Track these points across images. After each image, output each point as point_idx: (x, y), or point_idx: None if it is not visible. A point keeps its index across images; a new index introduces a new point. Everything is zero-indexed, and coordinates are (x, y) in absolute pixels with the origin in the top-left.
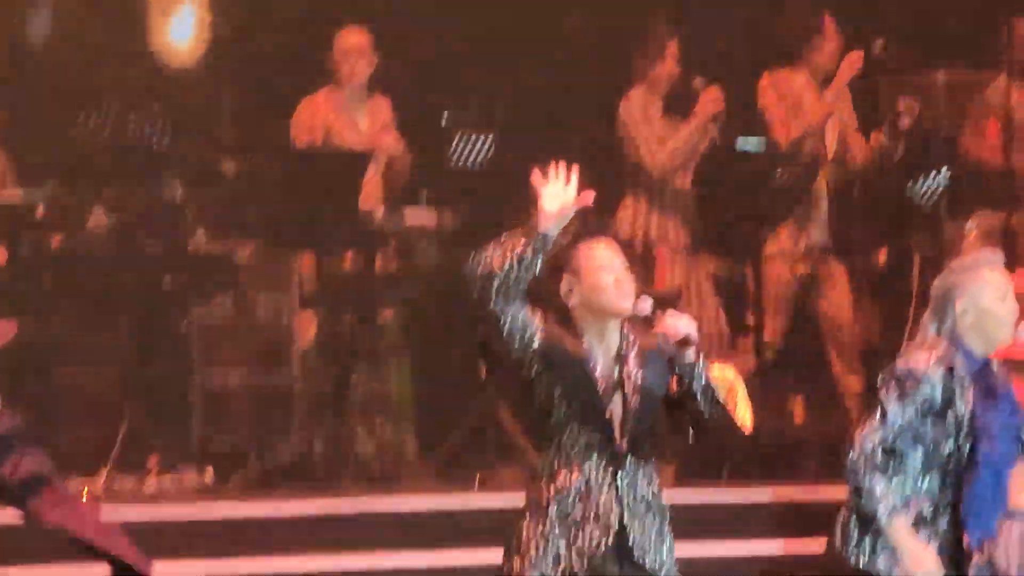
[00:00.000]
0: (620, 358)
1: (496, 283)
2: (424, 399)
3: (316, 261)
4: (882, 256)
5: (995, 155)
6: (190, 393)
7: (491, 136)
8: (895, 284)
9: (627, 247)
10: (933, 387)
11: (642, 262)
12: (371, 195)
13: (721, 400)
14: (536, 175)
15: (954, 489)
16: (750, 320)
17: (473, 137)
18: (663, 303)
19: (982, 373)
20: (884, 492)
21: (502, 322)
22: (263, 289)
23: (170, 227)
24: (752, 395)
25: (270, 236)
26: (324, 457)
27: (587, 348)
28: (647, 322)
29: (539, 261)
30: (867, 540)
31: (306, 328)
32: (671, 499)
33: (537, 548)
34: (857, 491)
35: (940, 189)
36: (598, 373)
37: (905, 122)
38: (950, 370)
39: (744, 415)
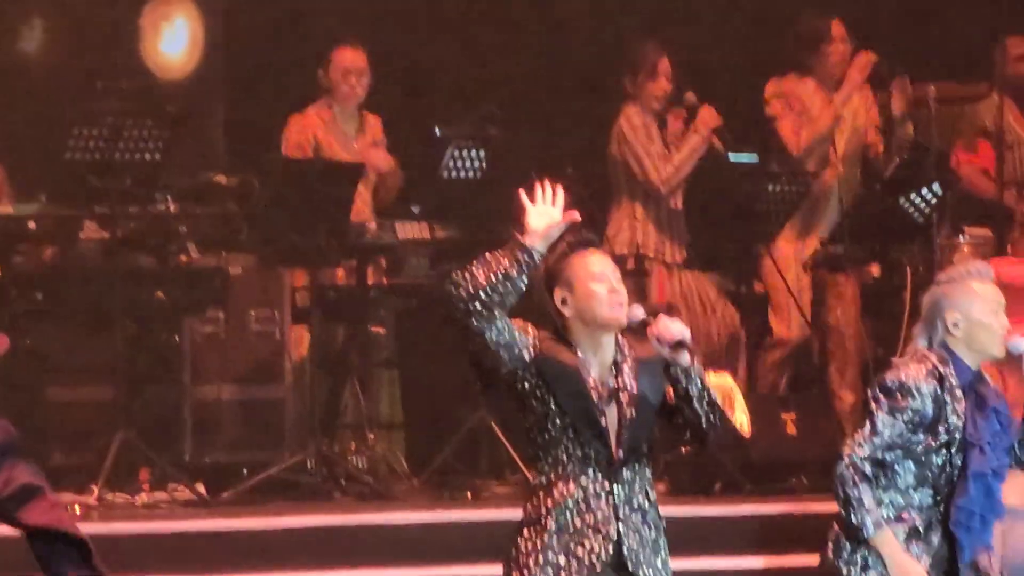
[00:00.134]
0: (615, 368)
1: (480, 300)
2: (416, 413)
3: (308, 275)
4: (874, 269)
5: (985, 176)
6: (182, 407)
7: (483, 150)
8: (887, 297)
9: (621, 261)
10: (924, 400)
11: (636, 276)
12: (362, 209)
13: (719, 404)
14: (524, 192)
15: (946, 502)
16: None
17: (465, 151)
18: (656, 312)
19: (973, 385)
20: (871, 504)
21: (487, 338)
22: (255, 303)
23: (162, 242)
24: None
25: (262, 250)
26: (316, 471)
27: (581, 359)
28: (641, 327)
29: (525, 278)
30: (859, 554)
31: (298, 342)
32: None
33: (536, 562)
34: (845, 502)
35: (933, 203)
36: (593, 384)
37: (899, 104)
38: (941, 382)
39: (742, 420)
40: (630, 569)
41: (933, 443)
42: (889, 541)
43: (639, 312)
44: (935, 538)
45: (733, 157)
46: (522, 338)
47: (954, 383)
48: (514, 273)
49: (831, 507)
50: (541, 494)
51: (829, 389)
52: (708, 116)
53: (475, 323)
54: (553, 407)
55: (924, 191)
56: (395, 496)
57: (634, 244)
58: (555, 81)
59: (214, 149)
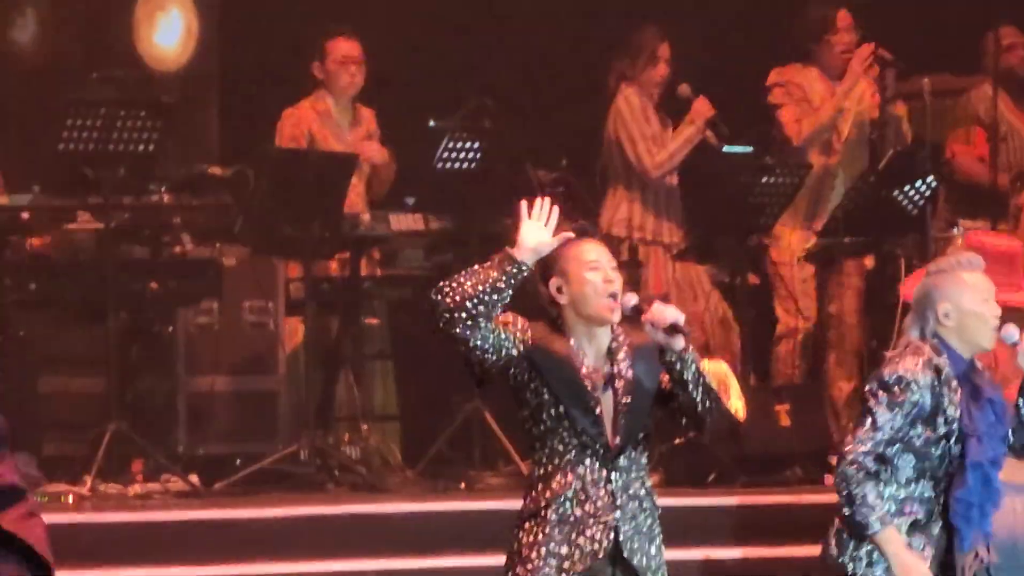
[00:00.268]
0: (610, 355)
1: (466, 310)
2: (410, 404)
3: (302, 267)
4: (869, 261)
5: (980, 164)
6: (176, 398)
7: (477, 142)
8: (881, 289)
9: (619, 244)
10: (922, 392)
11: (632, 266)
12: (356, 201)
13: (714, 389)
14: (522, 207)
15: (945, 493)
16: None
17: (459, 142)
18: (650, 299)
19: (968, 375)
20: (876, 501)
21: (472, 344)
22: (249, 294)
23: (156, 233)
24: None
25: (256, 241)
26: (310, 462)
27: (575, 347)
28: (635, 313)
29: (510, 291)
30: (863, 550)
31: (292, 333)
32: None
33: (538, 554)
34: (849, 500)
35: (927, 195)
36: (588, 371)
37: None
38: (938, 373)
39: (737, 406)
40: (626, 556)
41: (932, 435)
42: (893, 539)
43: (632, 299)
44: (936, 529)
45: (727, 148)
46: (508, 336)
47: (950, 374)
48: (501, 285)
49: (824, 498)
50: (539, 486)
51: (825, 379)
52: (702, 107)
53: (458, 331)
54: (547, 397)
55: (918, 183)
56: (389, 487)
57: (632, 227)
58: (549, 72)
59: (208, 140)
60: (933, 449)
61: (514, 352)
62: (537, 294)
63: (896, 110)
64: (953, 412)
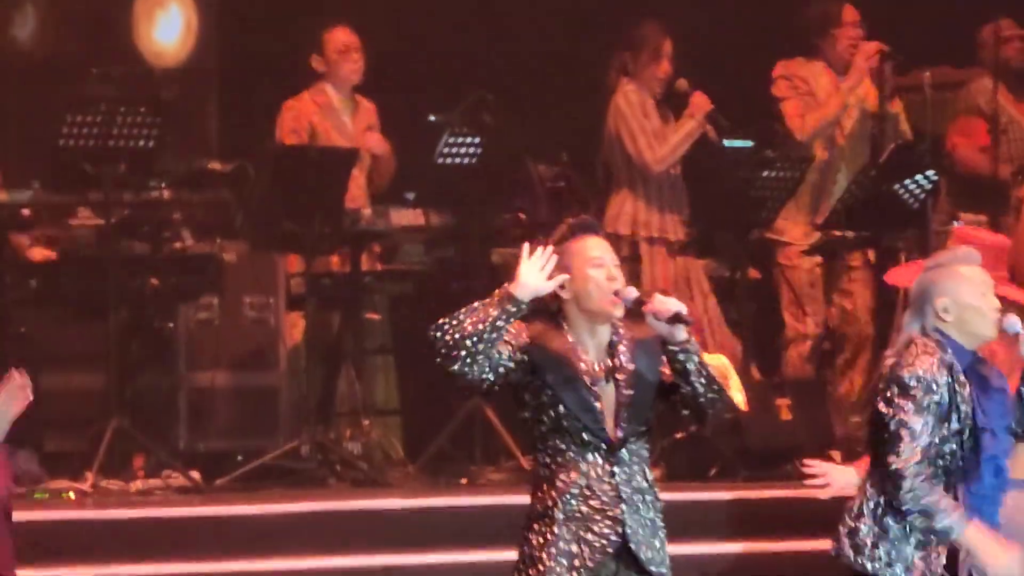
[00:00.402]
0: (611, 349)
1: (465, 348)
2: (411, 399)
3: (303, 262)
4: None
5: (982, 154)
6: (176, 394)
7: (478, 137)
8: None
9: (623, 241)
10: (942, 393)
11: (633, 262)
12: (357, 195)
13: (716, 379)
14: (525, 247)
15: (955, 487)
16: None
17: (459, 137)
18: (650, 292)
19: (974, 368)
20: (947, 503)
21: (469, 377)
22: (250, 290)
23: (157, 229)
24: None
25: (257, 237)
26: (311, 458)
27: (574, 342)
28: (637, 306)
29: (507, 328)
30: (881, 550)
31: (293, 329)
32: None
33: (548, 553)
34: (925, 514)
35: (928, 189)
36: (586, 368)
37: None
38: (951, 370)
39: (738, 398)
40: (632, 549)
41: (946, 432)
42: (977, 533)
43: (633, 293)
44: None
45: (727, 142)
46: (503, 352)
47: (958, 368)
48: (500, 323)
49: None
50: (544, 485)
51: (829, 374)
52: (701, 102)
53: (457, 367)
54: (545, 399)
55: (919, 177)
56: (390, 482)
57: (637, 223)
58: (550, 67)
59: (208, 136)
60: (945, 446)
61: (511, 364)
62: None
63: (892, 107)
64: (965, 408)
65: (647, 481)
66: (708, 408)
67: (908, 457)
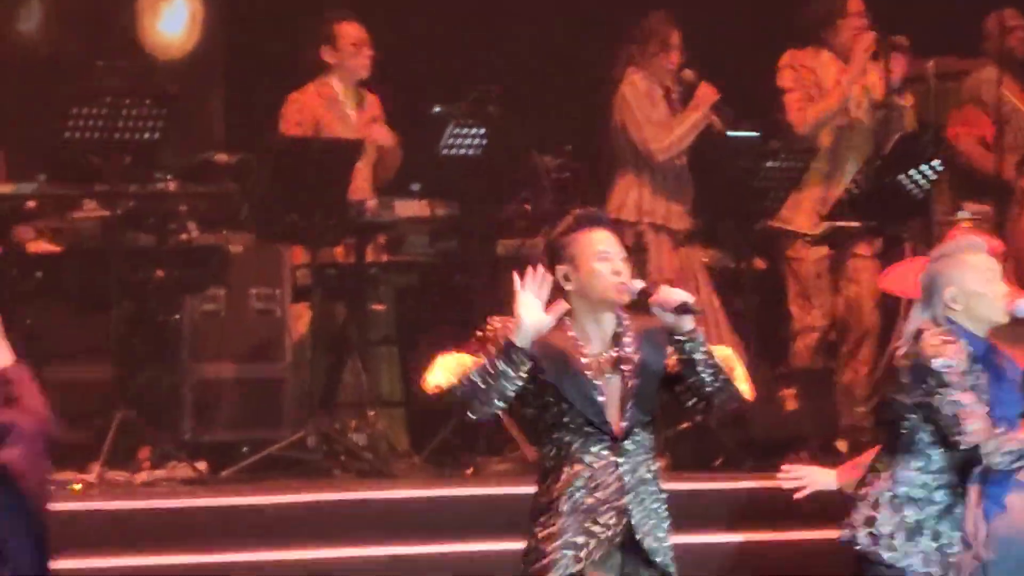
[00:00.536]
0: (616, 340)
1: (495, 405)
2: (416, 390)
3: (308, 253)
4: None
5: (983, 145)
6: (182, 386)
7: (482, 128)
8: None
9: (628, 228)
10: (972, 371)
11: (638, 252)
12: (362, 187)
13: (722, 368)
14: (515, 279)
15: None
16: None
17: (464, 129)
18: (656, 282)
19: (988, 358)
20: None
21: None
22: (255, 281)
23: (162, 221)
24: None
25: (262, 228)
26: (316, 449)
27: (576, 335)
28: (643, 297)
29: (521, 370)
30: (899, 540)
31: (298, 320)
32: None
33: (554, 545)
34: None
35: (932, 179)
36: (588, 361)
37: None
38: (969, 359)
39: (743, 388)
40: (637, 539)
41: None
42: None
43: (638, 284)
44: (959, 511)
45: (733, 133)
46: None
47: (974, 357)
48: (512, 373)
49: None
50: (549, 477)
51: (836, 364)
52: (707, 92)
53: (476, 417)
54: (549, 394)
55: (924, 167)
56: (395, 473)
57: (642, 211)
58: (554, 58)
59: (213, 128)
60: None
61: (521, 382)
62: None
63: (904, 100)
64: (985, 397)
65: (651, 472)
66: (714, 398)
67: (975, 428)
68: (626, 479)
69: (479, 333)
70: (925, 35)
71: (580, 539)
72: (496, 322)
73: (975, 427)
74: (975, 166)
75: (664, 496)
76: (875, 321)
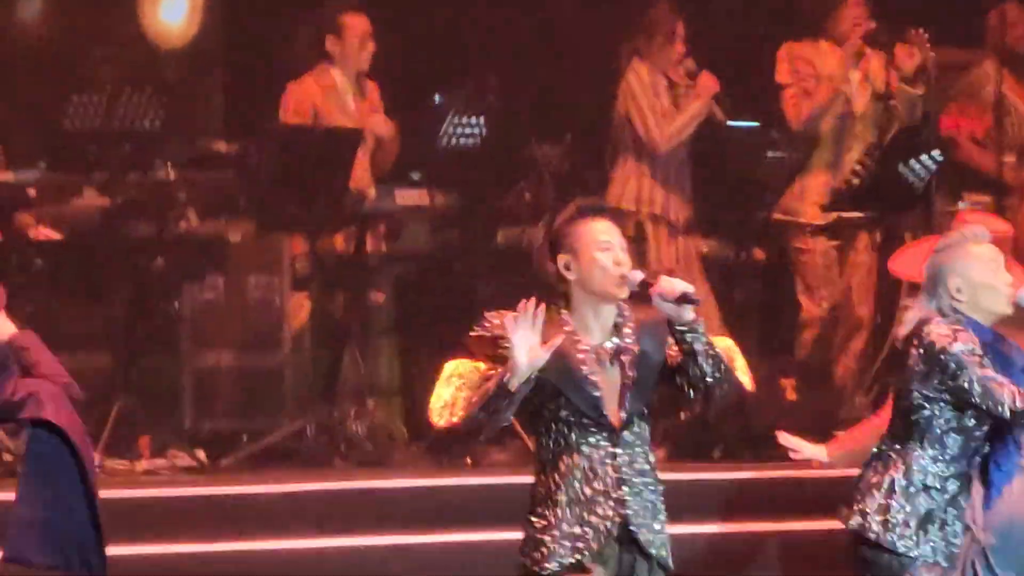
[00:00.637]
0: (616, 330)
1: (501, 422)
2: (415, 379)
3: (307, 242)
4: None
5: (977, 137)
6: (181, 375)
7: (483, 116)
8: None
9: (627, 217)
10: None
11: (638, 241)
12: (362, 176)
13: (723, 359)
14: (507, 320)
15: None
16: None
17: (464, 118)
18: (656, 273)
19: (994, 346)
20: None
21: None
22: (254, 271)
23: (161, 209)
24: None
25: (261, 217)
26: (315, 438)
27: (572, 329)
28: (643, 288)
29: (521, 396)
30: (911, 528)
31: (298, 309)
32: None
33: (552, 538)
34: None
35: (932, 169)
36: (585, 354)
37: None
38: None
39: (744, 379)
40: (632, 531)
41: (981, 413)
42: None
43: (638, 275)
44: (964, 501)
45: (733, 123)
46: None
47: (983, 344)
48: (509, 402)
49: (830, 473)
50: (547, 468)
51: (835, 356)
52: (708, 82)
53: (488, 437)
54: (547, 389)
55: (924, 158)
56: (395, 462)
57: (641, 200)
58: (555, 48)
59: (213, 116)
60: (977, 432)
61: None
62: (543, 271)
63: (914, 89)
64: None
65: (649, 463)
66: (715, 389)
67: (1010, 394)
68: (624, 470)
69: (476, 330)
70: (927, 27)
71: (577, 530)
72: (493, 318)
73: (1008, 395)
74: (971, 159)
75: (661, 488)
76: (867, 314)
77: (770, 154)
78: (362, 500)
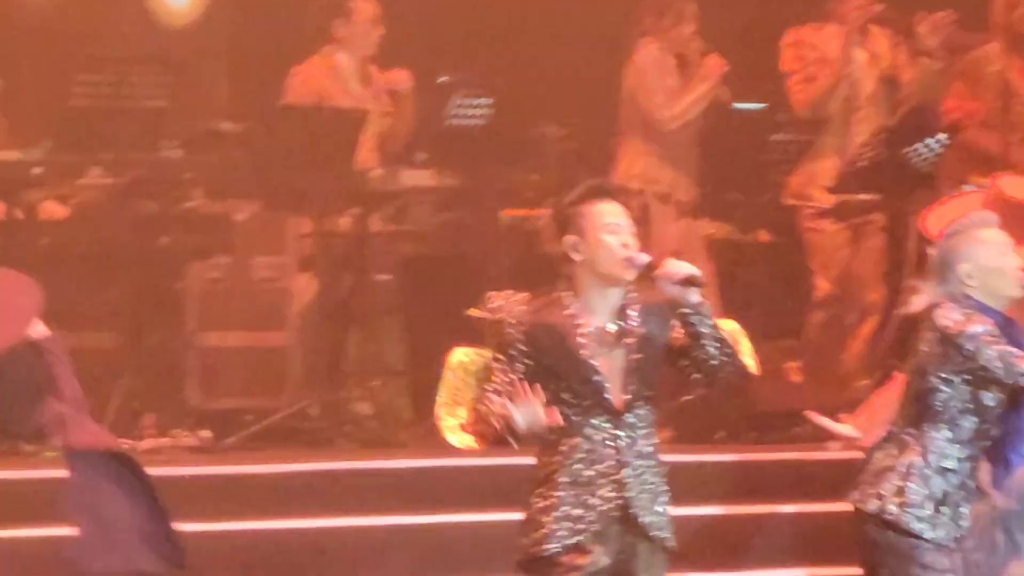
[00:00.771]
0: (621, 312)
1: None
2: (420, 359)
3: (313, 222)
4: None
5: (978, 119)
6: (186, 354)
7: (489, 97)
8: (891, 246)
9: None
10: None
11: (644, 223)
12: (368, 156)
13: (728, 342)
14: (506, 403)
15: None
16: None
17: (469, 99)
18: (662, 257)
19: (1007, 329)
20: None
21: None
22: (260, 251)
23: (167, 188)
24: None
25: (268, 197)
26: (320, 418)
27: (574, 313)
28: (648, 270)
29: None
30: (927, 510)
31: (303, 290)
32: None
33: (552, 517)
34: None
35: (939, 151)
36: (587, 337)
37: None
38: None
39: (749, 362)
40: (632, 513)
41: (1000, 394)
42: None
43: (645, 258)
44: (971, 485)
45: (740, 104)
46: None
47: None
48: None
49: (834, 455)
50: (549, 450)
51: (839, 337)
52: (715, 63)
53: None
54: (547, 373)
55: (929, 140)
56: (399, 442)
57: (648, 180)
58: (560, 28)
59: (219, 96)
60: (992, 413)
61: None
62: (548, 247)
63: (932, 64)
64: None
65: (651, 445)
66: (720, 372)
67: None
68: (624, 453)
69: (476, 310)
70: (931, 9)
71: (578, 511)
72: (497, 298)
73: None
74: (975, 142)
75: (664, 470)
76: (877, 298)
77: (778, 136)
78: (366, 480)
